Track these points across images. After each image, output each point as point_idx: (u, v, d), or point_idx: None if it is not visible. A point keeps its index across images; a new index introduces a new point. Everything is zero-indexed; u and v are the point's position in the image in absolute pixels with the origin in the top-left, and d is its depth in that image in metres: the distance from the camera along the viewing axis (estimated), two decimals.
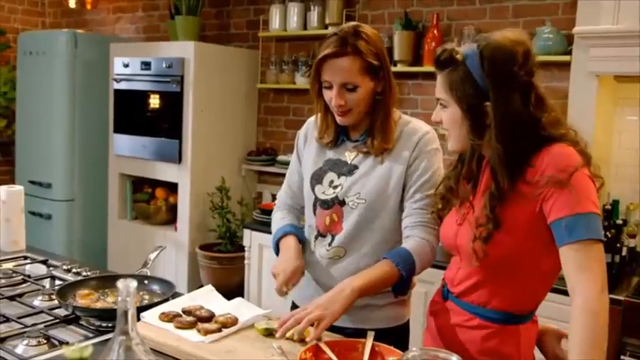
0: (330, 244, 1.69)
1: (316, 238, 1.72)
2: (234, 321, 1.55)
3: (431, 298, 1.59)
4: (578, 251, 1.24)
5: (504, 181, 1.31)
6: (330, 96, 1.61)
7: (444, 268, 1.56)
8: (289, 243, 1.69)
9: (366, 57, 1.56)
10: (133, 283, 0.99)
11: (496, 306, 1.38)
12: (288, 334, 1.45)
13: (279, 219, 1.81)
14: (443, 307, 1.49)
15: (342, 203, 1.66)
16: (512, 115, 1.30)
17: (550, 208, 1.27)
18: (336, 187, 1.69)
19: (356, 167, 1.68)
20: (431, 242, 1.58)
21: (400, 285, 1.57)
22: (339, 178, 1.69)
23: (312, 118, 1.83)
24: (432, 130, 1.66)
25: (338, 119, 1.65)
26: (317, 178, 1.73)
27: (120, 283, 0.99)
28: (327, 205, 1.69)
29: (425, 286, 2.39)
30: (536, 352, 1.48)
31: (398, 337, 1.67)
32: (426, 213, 1.59)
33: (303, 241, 1.74)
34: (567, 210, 1.25)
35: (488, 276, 1.38)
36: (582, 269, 1.23)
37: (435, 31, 3.22)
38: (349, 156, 1.70)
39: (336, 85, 1.59)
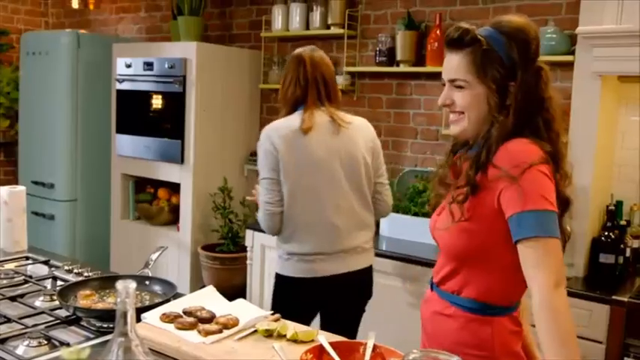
0: None
1: None
2: (235, 322, 1.55)
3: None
4: (530, 248, 1.25)
5: (494, 149, 1.33)
6: None
7: None
8: None
9: None
10: (132, 285, 0.99)
11: (469, 294, 1.40)
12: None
13: None
14: (429, 297, 1.52)
15: None
16: (530, 94, 1.33)
17: (505, 204, 1.29)
18: None
19: None
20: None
21: None
22: None
23: None
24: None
25: None
26: None
27: (119, 284, 0.99)
28: None
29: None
30: None
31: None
32: None
33: None
34: (518, 207, 1.26)
35: (460, 265, 1.40)
36: (535, 266, 1.24)
37: (438, 32, 3.20)
38: None
39: None
